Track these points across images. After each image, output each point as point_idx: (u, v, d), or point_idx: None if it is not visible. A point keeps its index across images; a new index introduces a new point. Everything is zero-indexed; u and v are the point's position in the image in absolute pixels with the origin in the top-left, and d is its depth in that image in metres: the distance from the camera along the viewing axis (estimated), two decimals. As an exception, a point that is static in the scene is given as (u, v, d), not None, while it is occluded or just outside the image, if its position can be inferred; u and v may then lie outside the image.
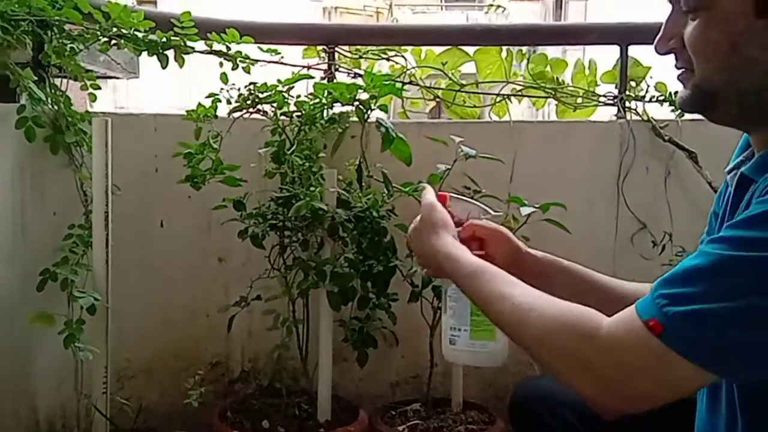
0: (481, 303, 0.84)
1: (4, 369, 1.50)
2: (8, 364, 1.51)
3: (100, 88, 1.63)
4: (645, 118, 1.82)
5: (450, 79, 1.86)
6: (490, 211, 0.99)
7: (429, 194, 0.99)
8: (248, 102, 1.58)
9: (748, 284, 0.63)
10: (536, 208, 1.50)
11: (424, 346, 1.72)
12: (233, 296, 1.71)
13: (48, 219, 1.57)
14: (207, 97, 1.58)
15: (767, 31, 0.71)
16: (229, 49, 1.72)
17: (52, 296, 1.44)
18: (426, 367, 1.74)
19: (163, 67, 1.66)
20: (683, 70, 0.79)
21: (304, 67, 1.84)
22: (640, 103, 1.84)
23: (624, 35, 1.84)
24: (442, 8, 15.66)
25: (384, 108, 1.66)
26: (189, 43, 1.65)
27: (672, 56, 0.81)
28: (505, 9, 15.43)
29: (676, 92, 1.72)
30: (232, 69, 1.72)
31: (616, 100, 1.86)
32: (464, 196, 1.01)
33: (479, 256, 0.91)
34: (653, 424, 0.75)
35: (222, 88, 1.57)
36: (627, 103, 1.84)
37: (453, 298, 0.94)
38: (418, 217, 0.97)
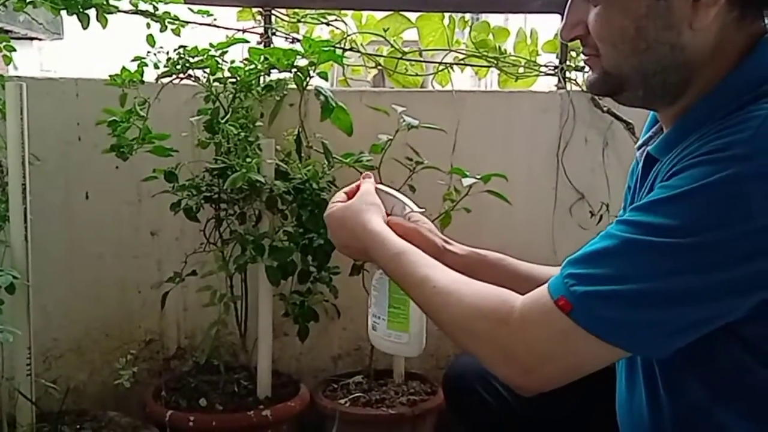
0: (405, 285, 0.85)
1: None
2: None
3: (15, 49, 1.51)
4: (584, 88, 1.82)
5: (392, 46, 1.81)
6: (414, 208, 0.97)
7: (369, 182, 0.98)
8: (178, 67, 1.49)
9: (649, 267, 0.66)
10: (478, 179, 1.48)
11: (365, 317, 1.69)
12: (167, 272, 1.64)
13: (-41, 192, 1.45)
14: (133, 60, 1.48)
15: (669, 12, 0.72)
16: (156, 9, 1.61)
17: (-34, 275, 1.33)
18: (368, 339, 1.72)
19: (84, 28, 1.53)
20: (590, 56, 0.79)
21: (238, 30, 1.75)
22: (580, 74, 1.84)
23: (566, 4, 1.83)
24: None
25: (324, 75, 1.60)
26: (113, 2, 1.54)
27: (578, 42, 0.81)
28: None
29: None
30: (161, 31, 1.61)
31: (556, 71, 1.85)
32: (390, 187, 0.99)
33: None
34: (579, 390, 0.77)
35: (149, 51, 1.47)
36: (567, 74, 1.84)
37: (376, 288, 0.95)
38: (351, 200, 0.95)
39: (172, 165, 1.54)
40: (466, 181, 1.47)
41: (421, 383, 1.74)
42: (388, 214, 0.95)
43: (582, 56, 0.83)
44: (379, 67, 1.86)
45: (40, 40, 3.57)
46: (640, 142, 0.91)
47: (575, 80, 1.84)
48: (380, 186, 0.97)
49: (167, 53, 1.48)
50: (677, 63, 0.75)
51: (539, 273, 1.01)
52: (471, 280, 0.79)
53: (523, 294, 0.76)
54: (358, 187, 0.98)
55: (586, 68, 0.84)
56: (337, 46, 1.76)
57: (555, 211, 1.83)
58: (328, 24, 1.83)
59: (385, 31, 1.79)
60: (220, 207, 1.58)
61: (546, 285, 0.71)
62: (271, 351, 1.63)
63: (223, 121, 1.49)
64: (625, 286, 0.65)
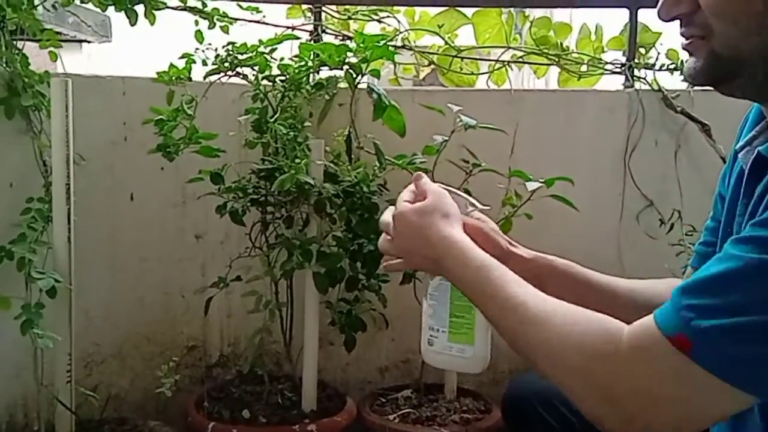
0: (485, 304, 0.75)
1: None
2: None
3: (60, 45, 1.47)
4: (655, 87, 1.70)
5: (446, 43, 1.72)
6: (478, 205, 0.89)
7: (428, 182, 0.88)
8: (226, 64, 1.43)
9: None
10: (542, 183, 1.38)
11: (415, 328, 1.59)
12: (211, 276, 1.58)
13: (3, 191, 1.41)
14: (180, 57, 1.43)
15: None
16: (204, 5, 1.57)
17: (9, 277, 1.29)
18: (418, 351, 1.62)
19: (132, 24, 1.50)
20: (693, 38, 0.69)
21: (287, 27, 1.69)
22: (649, 72, 1.72)
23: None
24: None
25: (375, 73, 1.52)
26: (160, -2, 1.50)
27: (677, 23, 0.70)
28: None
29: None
30: (209, 28, 1.58)
31: (623, 68, 1.73)
32: (451, 186, 0.89)
33: None
34: None
35: (197, 48, 1.42)
36: (636, 72, 1.72)
37: (434, 297, 0.86)
38: (423, 202, 0.85)
39: (218, 166, 1.49)
40: (531, 185, 1.36)
41: (474, 400, 1.63)
42: None
43: (682, 40, 0.71)
44: (432, 66, 1.77)
45: (88, 42, 3.59)
46: (741, 142, 0.79)
47: (644, 78, 1.71)
48: (439, 184, 0.88)
49: (215, 50, 1.42)
50: None
51: (612, 284, 0.92)
52: (565, 304, 0.70)
53: (591, 306, 0.68)
54: (417, 189, 0.89)
55: (686, 55, 0.72)
56: (389, 43, 1.68)
57: (622, 219, 1.70)
58: (379, 21, 1.75)
59: (439, 27, 1.70)
60: (266, 210, 1.51)
61: (652, 317, 0.61)
62: (317, 361, 1.55)
63: (271, 120, 1.43)
64: (756, 317, 0.55)
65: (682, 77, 1.70)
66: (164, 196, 1.63)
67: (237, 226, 1.51)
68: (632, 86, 1.71)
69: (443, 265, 0.80)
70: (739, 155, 0.79)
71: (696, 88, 1.66)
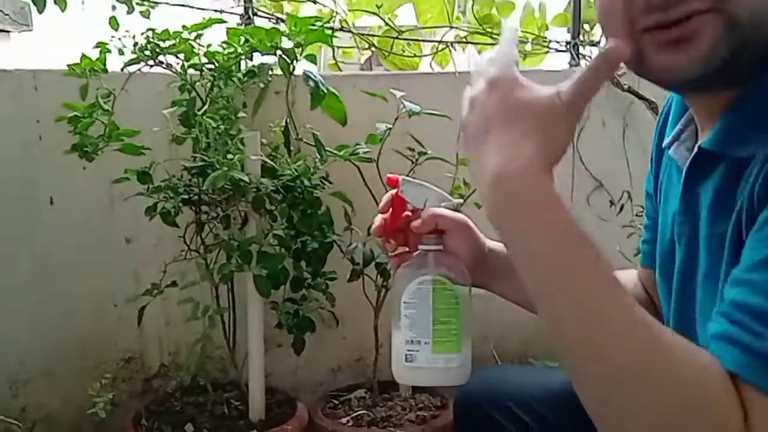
0: (564, 302, 0.55)
1: None
2: None
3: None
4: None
5: (387, 24, 1.64)
6: (450, 198, 0.80)
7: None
8: (147, 52, 1.31)
9: None
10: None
11: (367, 325, 1.54)
12: (145, 282, 1.47)
13: None
14: (95, 47, 1.30)
15: None
16: (122, -12, 1.44)
17: None
18: (370, 348, 1.57)
19: (40, 11, 1.37)
20: (694, 13, 0.57)
21: (215, 11, 1.57)
22: (595, 49, 1.68)
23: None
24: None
25: (312, 59, 1.43)
26: (71, -18, 1.36)
27: (657, 8, 0.58)
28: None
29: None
30: (128, 13, 1.45)
31: (568, 47, 1.69)
32: (416, 179, 0.81)
33: (435, 251, 0.77)
34: None
35: (113, 36, 1.30)
36: (581, 50, 1.68)
37: (411, 305, 0.75)
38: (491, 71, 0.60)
39: (146, 164, 1.37)
40: (477, 175, 1.30)
41: (429, 395, 1.58)
42: (422, 208, 0.78)
43: (667, 32, 0.58)
44: (373, 49, 1.68)
45: (7, 32, 3.36)
46: (668, 139, 0.74)
47: (590, 56, 1.67)
48: (409, 178, 0.79)
49: (134, 37, 1.30)
50: None
51: None
52: (690, 345, 0.54)
53: None
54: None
55: (678, 46, 0.59)
56: (326, 25, 1.58)
57: (573, 202, 1.67)
58: (315, 2, 1.65)
59: (378, 8, 1.61)
60: (200, 210, 1.41)
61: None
62: (264, 366, 1.47)
63: (200, 113, 1.32)
64: None
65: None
66: (88, 199, 1.50)
67: (170, 228, 1.40)
68: (578, 65, 1.67)
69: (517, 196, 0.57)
70: (670, 151, 0.74)
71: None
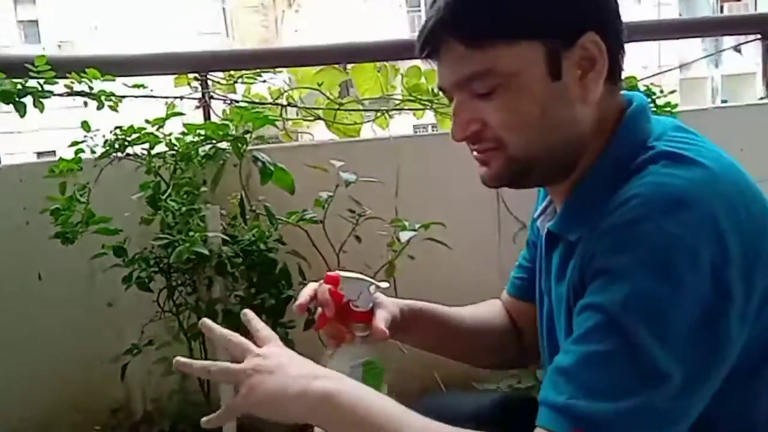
0: None
1: None
2: None
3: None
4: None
5: (327, 98, 1.86)
6: (379, 284, 0.93)
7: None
8: (116, 147, 1.52)
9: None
10: (415, 231, 1.54)
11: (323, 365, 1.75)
12: (127, 340, 1.67)
13: None
14: (70, 146, 1.51)
15: (566, 90, 0.77)
16: (91, 88, 1.65)
17: None
18: (331, 385, 1.77)
19: (22, 116, 1.58)
20: (486, 150, 0.80)
21: (176, 98, 1.79)
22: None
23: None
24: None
25: (261, 140, 1.65)
26: (48, 87, 1.57)
27: (467, 142, 0.81)
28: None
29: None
30: (98, 109, 1.66)
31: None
32: (352, 271, 0.93)
33: (365, 336, 0.89)
34: None
35: (85, 136, 1.51)
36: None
37: None
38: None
39: (121, 240, 1.58)
40: (404, 235, 1.52)
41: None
42: (354, 302, 0.90)
43: (477, 155, 0.82)
44: (319, 119, 1.91)
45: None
46: (536, 213, 0.96)
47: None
48: (343, 273, 0.92)
49: (104, 136, 1.52)
50: (577, 137, 0.79)
51: (459, 316, 1.05)
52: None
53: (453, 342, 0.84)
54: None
55: (482, 166, 0.82)
56: (276, 102, 1.81)
57: (500, 242, 1.89)
58: (264, 81, 1.88)
59: (319, 85, 1.84)
60: (171, 276, 1.62)
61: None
62: (236, 410, 1.67)
63: (164, 195, 1.53)
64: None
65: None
66: (72, 272, 1.70)
67: (146, 292, 1.60)
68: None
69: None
70: (537, 222, 0.96)
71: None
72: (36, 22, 14.99)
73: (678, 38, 2.27)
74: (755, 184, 0.76)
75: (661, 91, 1.79)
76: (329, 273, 0.92)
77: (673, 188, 0.70)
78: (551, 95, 0.76)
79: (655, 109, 1.77)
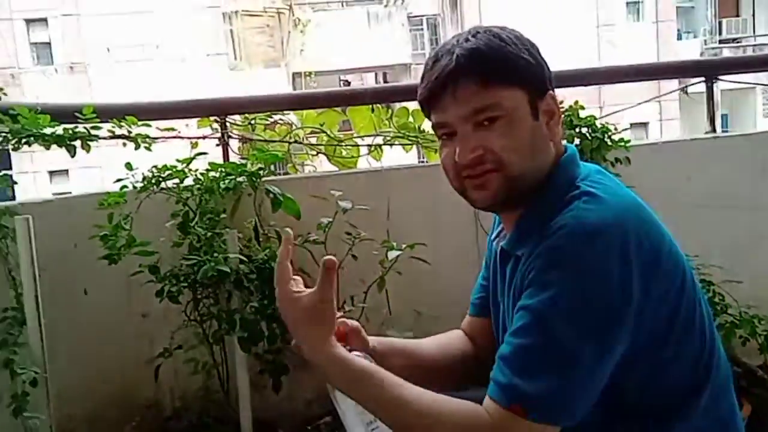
0: (372, 407, 0.97)
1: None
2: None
3: (16, 183, 1.84)
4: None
5: (328, 135, 2.17)
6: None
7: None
8: (153, 182, 1.83)
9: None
10: (401, 250, 1.83)
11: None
12: (158, 346, 1.97)
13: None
14: (115, 182, 1.82)
15: (540, 128, 1.02)
16: (130, 132, 1.96)
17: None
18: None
19: (72, 156, 1.88)
20: (486, 172, 0.98)
21: (199, 138, 2.10)
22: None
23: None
24: (342, 5, 15.95)
25: (271, 170, 1.95)
26: (93, 132, 1.88)
27: (465, 169, 0.99)
28: (404, 1, 15.87)
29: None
30: (135, 149, 1.97)
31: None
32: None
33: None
34: None
35: (127, 174, 1.82)
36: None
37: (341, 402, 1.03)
38: (305, 305, 1.01)
39: (155, 259, 1.88)
40: (391, 254, 1.81)
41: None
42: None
43: (474, 180, 0.99)
44: (321, 153, 2.21)
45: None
46: (492, 235, 1.23)
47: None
48: None
49: (143, 174, 1.82)
50: (546, 166, 1.01)
51: (424, 348, 1.22)
52: (441, 397, 0.95)
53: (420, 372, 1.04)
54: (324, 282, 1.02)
55: (479, 189, 1.00)
56: (284, 140, 2.11)
57: (479, 259, 2.17)
58: (275, 123, 2.18)
59: (321, 125, 2.15)
60: (197, 290, 1.91)
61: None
62: (250, 404, 1.96)
63: (192, 222, 1.83)
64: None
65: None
66: (113, 287, 2.00)
67: (175, 304, 1.90)
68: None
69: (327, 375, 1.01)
70: (493, 244, 1.24)
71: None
72: (49, 44, 15.41)
73: (632, 81, 2.57)
74: (653, 215, 1.02)
75: (616, 129, 2.08)
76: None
77: (589, 221, 0.95)
78: (534, 129, 1.00)
79: (610, 144, 2.06)
